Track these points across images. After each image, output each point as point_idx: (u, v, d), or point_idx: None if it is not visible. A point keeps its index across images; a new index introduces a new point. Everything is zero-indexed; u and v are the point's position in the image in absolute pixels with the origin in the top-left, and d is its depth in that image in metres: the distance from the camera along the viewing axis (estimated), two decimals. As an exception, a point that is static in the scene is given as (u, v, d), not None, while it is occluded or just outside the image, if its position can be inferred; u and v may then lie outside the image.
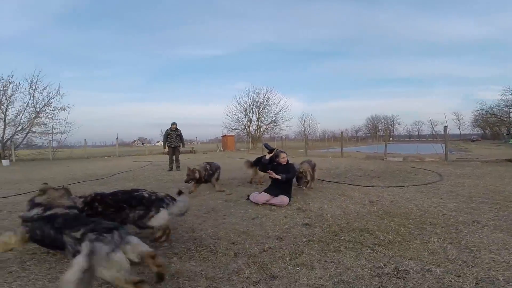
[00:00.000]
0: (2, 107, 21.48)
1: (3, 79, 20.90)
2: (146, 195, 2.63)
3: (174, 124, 9.26)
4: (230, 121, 36.23)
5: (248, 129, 36.75)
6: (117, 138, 26.33)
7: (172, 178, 7.42)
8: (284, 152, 4.56)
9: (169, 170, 9.15)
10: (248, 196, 4.44)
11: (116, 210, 2.57)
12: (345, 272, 2.07)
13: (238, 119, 36.58)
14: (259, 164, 5.02)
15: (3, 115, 21.58)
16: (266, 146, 4.83)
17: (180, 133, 9.46)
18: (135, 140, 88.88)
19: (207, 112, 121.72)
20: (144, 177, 7.96)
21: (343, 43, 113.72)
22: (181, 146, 9.58)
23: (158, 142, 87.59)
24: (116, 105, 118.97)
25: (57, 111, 22.76)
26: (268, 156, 4.64)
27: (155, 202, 2.58)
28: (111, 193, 2.78)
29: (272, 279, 1.97)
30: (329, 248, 2.53)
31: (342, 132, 19.38)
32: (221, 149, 28.19)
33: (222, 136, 31.01)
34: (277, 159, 4.54)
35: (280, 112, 37.01)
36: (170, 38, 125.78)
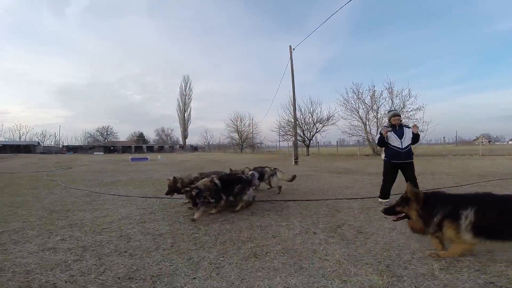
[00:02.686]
0: (374, 112, 27.87)
1: (369, 89, 27.13)
2: None
3: None
4: None
5: None
6: (456, 136, 23.15)
7: None
8: None
9: None
10: None
11: None
12: None
13: None
14: None
15: (375, 119, 28.05)
16: None
17: None
18: (478, 137, 73.93)
19: None
20: None
21: None
22: None
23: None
24: (445, 101, 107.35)
25: (414, 112, 24.96)
26: None
27: None
28: None
29: None
30: None
31: None
32: None
33: None
34: None
35: None
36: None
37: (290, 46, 17.48)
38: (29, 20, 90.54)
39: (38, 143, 55.34)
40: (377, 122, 27.41)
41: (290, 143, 33.72)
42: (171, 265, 2.24)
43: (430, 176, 8.08)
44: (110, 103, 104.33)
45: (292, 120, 30.85)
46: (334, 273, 2.11)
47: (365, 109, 27.59)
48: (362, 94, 27.40)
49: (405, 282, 1.95)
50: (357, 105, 27.81)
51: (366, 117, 27.64)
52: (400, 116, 4.75)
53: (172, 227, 3.31)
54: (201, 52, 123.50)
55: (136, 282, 1.95)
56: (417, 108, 24.47)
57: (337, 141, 31.78)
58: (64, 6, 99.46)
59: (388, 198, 4.56)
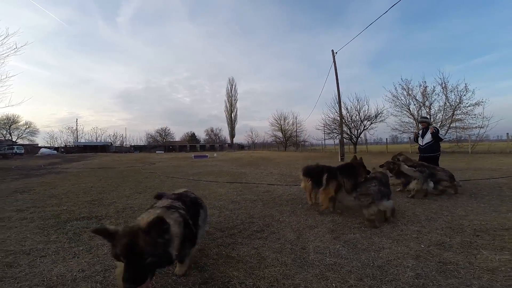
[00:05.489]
0: (426, 108, 26.75)
1: (420, 85, 26.22)
2: None
3: None
4: None
5: None
6: None
7: None
8: None
9: None
10: None
11: None
12: None
13: None
14: None
15: (427, 115, 26.89)
16: None
17: None
18: None
19: None
20: None
21: None
22: None
23: None
24: None
25: (471, 107, 23.44)
26: None
27: None
28: None
29: None
30: None
31: None
32: None
33: None
34: None
35: None
36: None
37: (332, 51, 18.32)
38: (88, 30, 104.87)
39: (111, 143, 64.57)
40: (430, 118, 26.42)
41: (337, 141, 34.10)
42: (272, 214, 4.01)
43: (467, 171, 8.65)
44: (164, 106, 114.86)
45: (338, 118, 31.38)
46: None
47: (416, 105, 26.87)
48: (412, 90, 26.71)
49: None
50: (408, 101, 27.20)
51: (418, 113, 26.86)
52: (425, 122, 6.30)
53: (257, 197, 5.23)
54: (242, 52, 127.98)
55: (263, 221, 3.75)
56: (475, 103, 23.15)
57: (386, 139, 31.23)
58: (114, 16, 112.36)
59: None
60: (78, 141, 63.27)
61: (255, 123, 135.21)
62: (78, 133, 65.75)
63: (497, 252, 2.45)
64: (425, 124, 6.30)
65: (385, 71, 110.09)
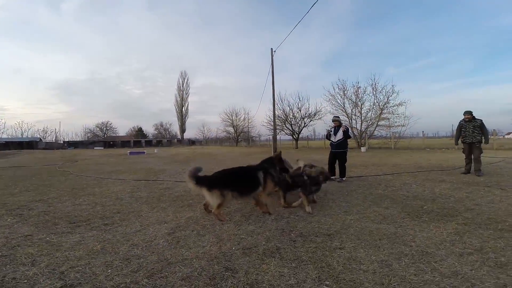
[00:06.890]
0: (358, 107, 29.76)
1: (354, 86, 29.06)
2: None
3: (467, 113, 7.46)
4: None
5: None
6: (452, 130, 24.95)
7: None
8: None
9: (464, 173, 7.37)
10: None
11: None
12: None
13: None
14: None
15: (359, 114, 29.93)
16: None
17: (481, 123, 7.32)
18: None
19: None
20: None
21: None
22: (484, 141, 7.41)
23: (510, 133, 66.42)
24: (448, 93, 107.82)
25: (396, 107, 26.76)
26: None
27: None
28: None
29: None
30: None
31: None
32: None
33: None
34: None
35: None
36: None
37: (271, 49, 19.14)
38: (24, 16, 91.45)
39: (40, 139, 57.39)
40: (360, 117, 29.39)
41: (282, 137, 35.78)
42: (142, 210, 4.22)
43: (372, 166, 9.91)
44: (109, 98, 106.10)
45: (281, 116, 33.00)
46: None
47: (351, 104, 29.47)
48: (347, 91, 29.25)
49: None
50: (343, 101, 29.71)
51: (352, 112, 29.59)
52: (337, 121, 6.91)
53: (148, 193, 5.37)
54: (201, 46, 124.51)
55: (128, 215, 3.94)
56: (399, 104, 26.37)
57: (324, 135, 33.81)
58: (59, 2, 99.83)
59: (333, 175, 6.63)
60: (-2, 136, 54.87)
61: (213, 118, 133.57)
62: (-3, 127, 57.01)
63: (285, 263, 2.25)
64: (337, 122, 6.83)
65: (336, 71, 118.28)
